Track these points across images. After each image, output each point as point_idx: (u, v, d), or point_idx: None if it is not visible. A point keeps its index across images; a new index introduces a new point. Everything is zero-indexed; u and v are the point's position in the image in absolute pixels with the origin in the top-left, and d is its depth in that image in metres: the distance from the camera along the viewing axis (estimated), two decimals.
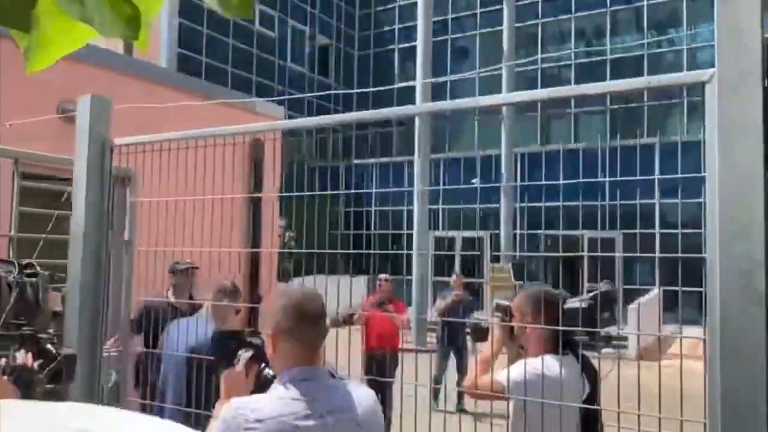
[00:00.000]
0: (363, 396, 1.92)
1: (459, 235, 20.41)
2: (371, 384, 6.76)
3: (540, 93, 1.99)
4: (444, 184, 20.81)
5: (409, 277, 14.20)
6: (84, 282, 2.64)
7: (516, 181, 19.35)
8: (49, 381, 1.99)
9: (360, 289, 8.66)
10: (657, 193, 17.47)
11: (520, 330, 2.45)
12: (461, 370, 8.36)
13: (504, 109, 18.44)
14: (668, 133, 17.84)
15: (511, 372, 2.28)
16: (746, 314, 1.52)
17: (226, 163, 2.72)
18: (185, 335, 3.34)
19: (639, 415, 1.92)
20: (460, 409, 7.89)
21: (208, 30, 21.19)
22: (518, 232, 19.35)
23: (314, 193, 2.63)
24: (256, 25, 22.82)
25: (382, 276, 7.23)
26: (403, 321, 6.83)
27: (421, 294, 14.11)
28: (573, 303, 2.37)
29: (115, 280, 3.88)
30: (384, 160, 21.77)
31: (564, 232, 18.68)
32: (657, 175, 17.61)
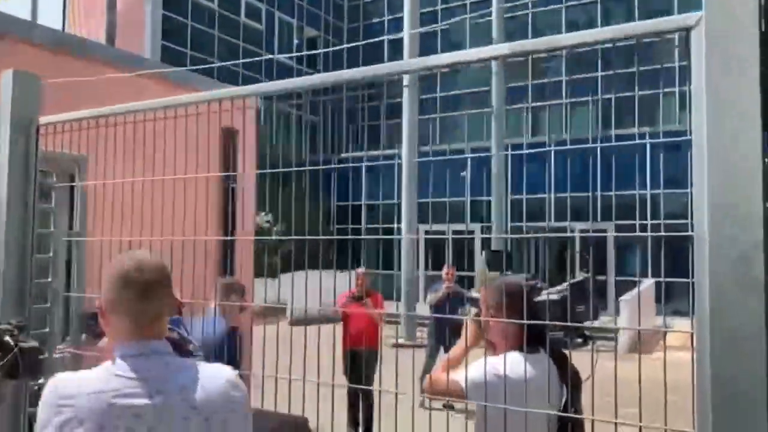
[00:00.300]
0: (213, 377, 1.69)
1: (449, 228, 20.12)
2: (353, 381, 6.52)
3: (522, 44, 1.73)
4: (432, 178, 20.58)
5: (398, 272, 13.96)
6: (5, 282, 2.38)
7: (507, 173, 19.12)
8: (5, 374, 1.96)
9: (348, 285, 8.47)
10: (648, 183, 17.26)
11: (486, 325, 2.20)
12: None
13: (494, 100, 18.20)
14: (662, 123, 17.63)
15: (470, 371, 2.02)
16: (742, 304, 1.27)
17: (190, 144, 2.45)
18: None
19: (616, 423, 1.67)
20: (449, 406, 7.68)
21: (193, 22, 20.84)
22: (509, 224, 19.13)
23: (294, 169, 2.35)
24: (242, 17, 22.47)
25: (360, 270, 6.94)
26: (382, 316, 6.58)
27: (411, 288, 13.84)
28: (550, 295, 2.11)
29: (54, 278, 3.62)
30: (373, 153, 21.50)
31: (556, 224, 18.51)
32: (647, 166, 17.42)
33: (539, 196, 18.87)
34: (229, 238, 4.93)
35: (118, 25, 20.69)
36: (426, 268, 20.19)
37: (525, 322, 1.76)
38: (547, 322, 1.83)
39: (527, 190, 19.16)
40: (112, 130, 2.52)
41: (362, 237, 21.43)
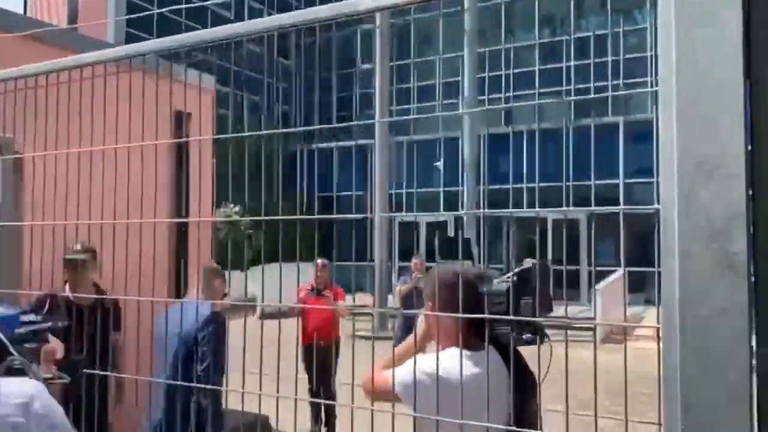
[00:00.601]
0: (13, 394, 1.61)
1: (423, 219, 19.98)
2: (314, 375, 6.20)
3: None
4: (406, 168, 20.34)
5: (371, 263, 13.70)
6: None
7: (481, 163, 18.93)
8: None
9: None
10: (621, 172, 17.21)
11: (428, 319, 1.95)
12: None
13: (466, 89, 17.98)
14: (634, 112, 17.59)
15: (399, 371, 1.78)
16: (718, 289, 1.02)
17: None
18: (174, 324, 2.97)
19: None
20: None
21: (160, 8, 20.24)
22: (483, 212, 18.95)
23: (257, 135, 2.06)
24: (211, 4, 21.91)
25: (319, 261, 6.60)
26: (343, 308, 6.30)
27: (381, 280, 13.59)
28: (499, 285, 1.84)
29: None
30: (346, 144, 21.17)
31: (527, 211, 18.42)
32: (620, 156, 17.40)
33: (514, 186, 18.75)
34: (178, 220, 4.56)
35: (80, 11, 20.04)
36: (400, 258, 19.97)
37: (460, 315, 1.50)
38: (486, 315, 1.57)
39: (501, 180, 19.02)
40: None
41: (327, 217, 20.93)
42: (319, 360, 5.92)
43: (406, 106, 21.12)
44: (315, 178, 22.09)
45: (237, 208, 19.68)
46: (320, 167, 22.51)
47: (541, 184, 18.41)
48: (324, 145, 22.64)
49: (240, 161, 2.10)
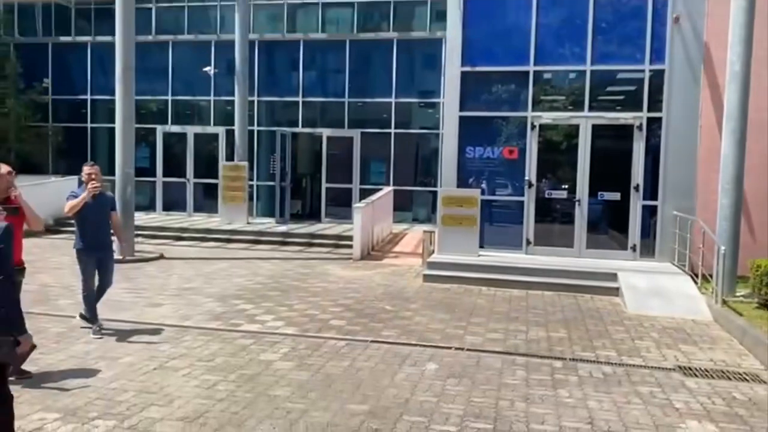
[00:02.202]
0: None
1: (191, 130, 18.36)
2: None
3: None
4: (173, 71, 18.30)
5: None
6: None
7: (253, 71, 17.65)
8: None
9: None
10: (393, 90, 17.23)
11: None
12: (104, 279, 7.00)
13: None
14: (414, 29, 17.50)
15: None
16: None
17: None
18: None
19: None
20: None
21: None
22: (255, 128, 17.90)
23: None
24: None
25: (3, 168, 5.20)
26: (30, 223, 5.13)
27: (124, 196, 12.01)
28: None
29: None
30: (101, 39, 18.27)
31: (303, 130, 17.79)
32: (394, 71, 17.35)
33: (289, 99, 17.89)
34: None
35: None
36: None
37: None
38: None
39: (276, 92, 18.02)
40: None
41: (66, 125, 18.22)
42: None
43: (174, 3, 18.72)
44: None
45: None
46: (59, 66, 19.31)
47: (314, 98, 17.81)
48: (65, 39, 19.34)
49: None
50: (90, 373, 5.40)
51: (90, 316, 6.77)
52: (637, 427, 4.53)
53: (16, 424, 4.25)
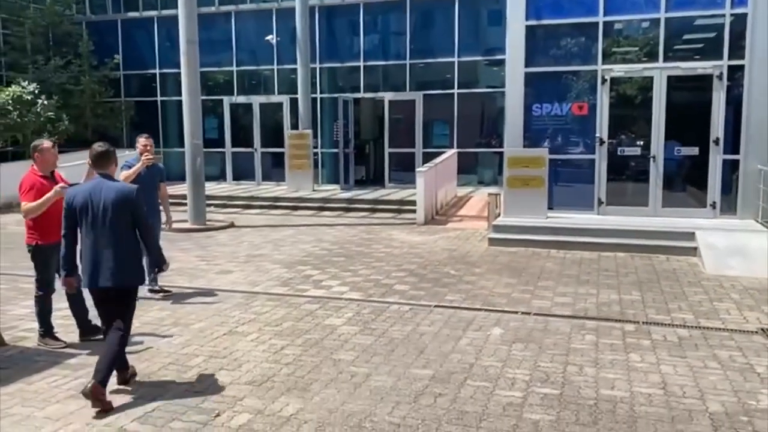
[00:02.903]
0: None
1: (256, 99, 18.58)
2: None
3: None
4: (237, 41, 18.47)
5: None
6: None
7: (314, 38, 17.61)
8: None
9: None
10: (456, 49, 16.81)
11: None
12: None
13: None
14: None
15: None
16: None
17: None
18: None
19: None
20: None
21: None
22: (318, 95, 17.94)
23: None
24: None
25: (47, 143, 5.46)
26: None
27: (194, 167, 12.30)
28: None
29: None
30: (167, 12, 18.63)
31: (365, 95, 17.67)
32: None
33: (350, 64, 17.79)
34: None
35: None
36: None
37: None
38: None
39: (338, 58, 17.95)
40: None
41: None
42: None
43: None
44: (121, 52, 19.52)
45: (31, 87, 16.91)
46: (129, 41, 19.85)
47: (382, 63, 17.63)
48: (133, 14, 19.83)
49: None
50: (163, 338, 5.62)
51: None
52: (714, 393, 4.32)
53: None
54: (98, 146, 4.54)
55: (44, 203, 5.20)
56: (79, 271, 4.52)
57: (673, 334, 5.64)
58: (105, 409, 4.05)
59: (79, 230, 4.36)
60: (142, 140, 7.06)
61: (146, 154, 6.89)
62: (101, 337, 4.66)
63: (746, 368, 4.79)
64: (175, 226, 12.29)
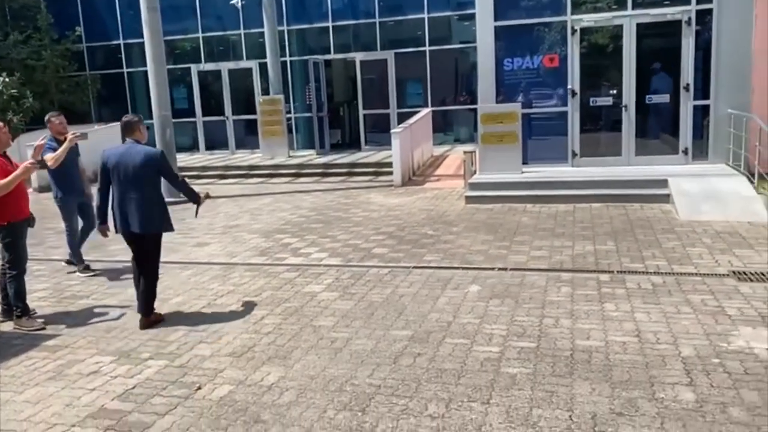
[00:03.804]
0: None
1: (225, 66, 18.20)
2: None
3: None
4: (201, 7, 17.96)
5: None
6: None
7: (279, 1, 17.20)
8: None
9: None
10: (426, 5, 16.55)
11: None
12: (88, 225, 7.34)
13: None
14: None
15: None
16: None
17: None
18: None
19: None
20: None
21: None
22: (288, 59, 17.62)
23: None
24: None
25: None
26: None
27: (164, 139, 12.07)
28: None
29: None
30: None
31: (336, 56, 17.39)
32: None
33: (319, 25, 17.44)
34: None
35: None
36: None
37: None
38: None
39: (306, 19, 17.59)
40: None
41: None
42: None
43: None
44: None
45: None
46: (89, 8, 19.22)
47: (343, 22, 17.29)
48: None
49: None
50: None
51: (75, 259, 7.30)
52: (686, 338, 4.42)
53: (75, 368, 4.46)
54: (126, 118, 5.40)
55: (15, 179, 5.16)
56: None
57: (647, 281, 5.74)
58: (159, 320, 5.30)
59: (110, 186, 5.24)
60: (55, 120, 6.95)
61: (68, 134, 6.70)
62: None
63: (718, 311, 4.90)
64: None
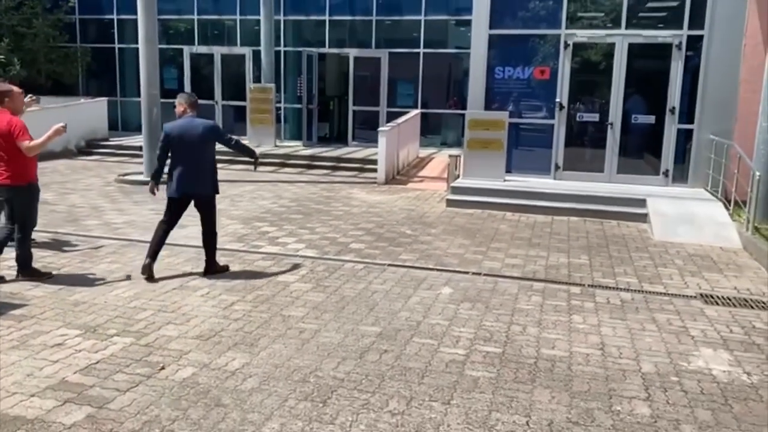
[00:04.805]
0: None
1: (218, 50, 18.09)
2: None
3: None
4: None
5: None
6: None
7: None
8: None
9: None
10: (423, 7, 16.59)
11: None
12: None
13: None
14: None
15: None
16: None
17: None
18: None
19: None
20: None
21: None
22: (282, 49, 17.57)
23: None
24: None
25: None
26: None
27: (150, 118, 11.96)
28: None
29: None
30: None
31: (330, 50, 17.37)
32: None
33: (316, 17, 17.41)
34: None
35: None
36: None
37: None
38: None
39: (303, 11, 17.54)
40: None
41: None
42: None
43: None
44: None
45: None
46: None
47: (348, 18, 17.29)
48: None
49: None
50: (112, 291, 5.56)
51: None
52: (648, 354, 4.50)
53: (39, 339, 4.43)
54: (193, 96, 6.22)
55: (47, 140, 5.52)
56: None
57: (616, 297, 5.82)
58: (224, 269, 6.24)
59: (170, 154, 5.96)
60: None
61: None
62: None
63: (681, 331, 4.99)
64: (129, 178, 12.04)
